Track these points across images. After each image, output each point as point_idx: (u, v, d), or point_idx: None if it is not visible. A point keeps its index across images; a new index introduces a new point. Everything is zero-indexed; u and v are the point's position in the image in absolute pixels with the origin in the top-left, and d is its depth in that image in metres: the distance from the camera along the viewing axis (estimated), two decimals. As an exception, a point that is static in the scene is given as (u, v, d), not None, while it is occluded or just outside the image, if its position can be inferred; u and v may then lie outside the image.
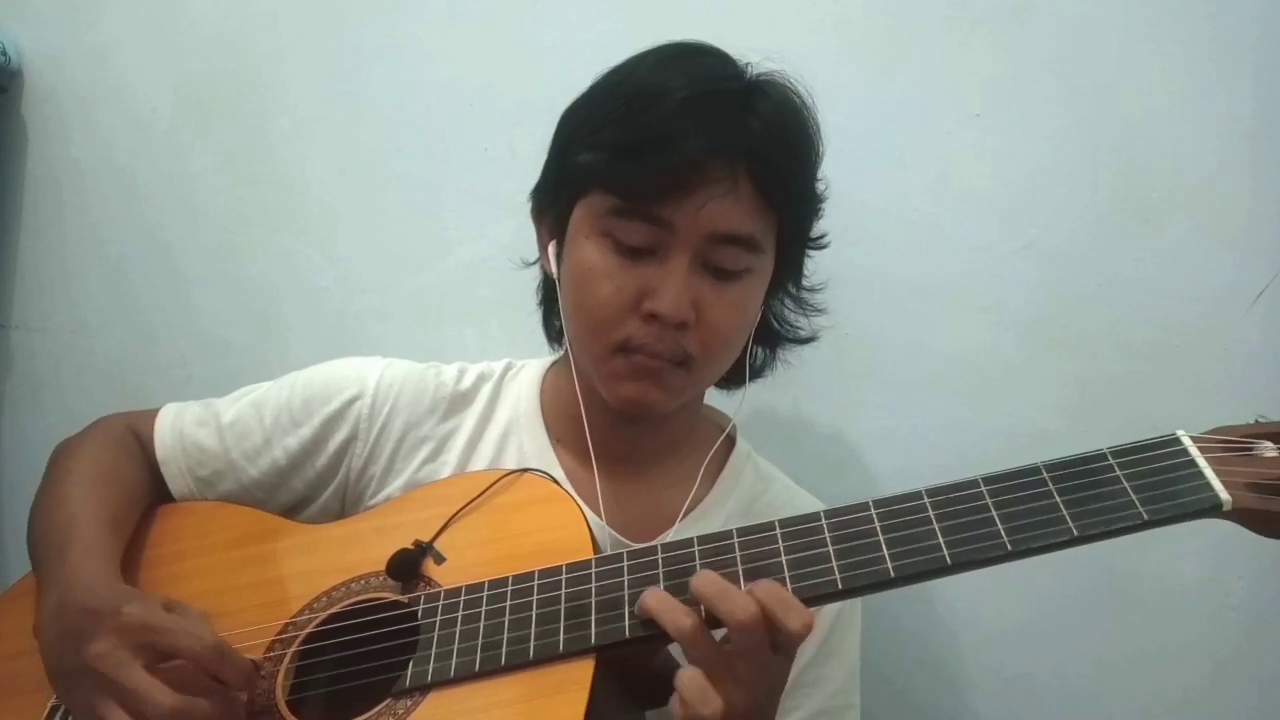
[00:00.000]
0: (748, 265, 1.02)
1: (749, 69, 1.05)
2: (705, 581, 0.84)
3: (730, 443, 1.18)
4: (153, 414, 1.16)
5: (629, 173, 0.99)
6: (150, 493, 1.12)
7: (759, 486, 1.17)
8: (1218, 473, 0.78)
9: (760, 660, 0.82)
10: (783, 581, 0.84)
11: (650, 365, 1.01)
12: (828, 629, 1.11)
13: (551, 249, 1.09)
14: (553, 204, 1.08)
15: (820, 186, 1.11)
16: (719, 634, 0.83)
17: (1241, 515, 0.78)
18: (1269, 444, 0.79)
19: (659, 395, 1.03)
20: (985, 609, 1.36)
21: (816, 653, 1.10)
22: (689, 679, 0.81)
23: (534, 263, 1.17)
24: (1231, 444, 0.80)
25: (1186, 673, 1.32)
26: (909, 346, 1.38)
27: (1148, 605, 1.32)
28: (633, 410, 1.04)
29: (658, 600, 0.84)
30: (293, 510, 1.14)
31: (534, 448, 1.12)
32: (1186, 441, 0.81)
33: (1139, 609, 1.33)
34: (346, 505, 1.13)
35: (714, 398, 1.19)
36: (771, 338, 1.17)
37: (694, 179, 0.97)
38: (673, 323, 0.99)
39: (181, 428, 1.14)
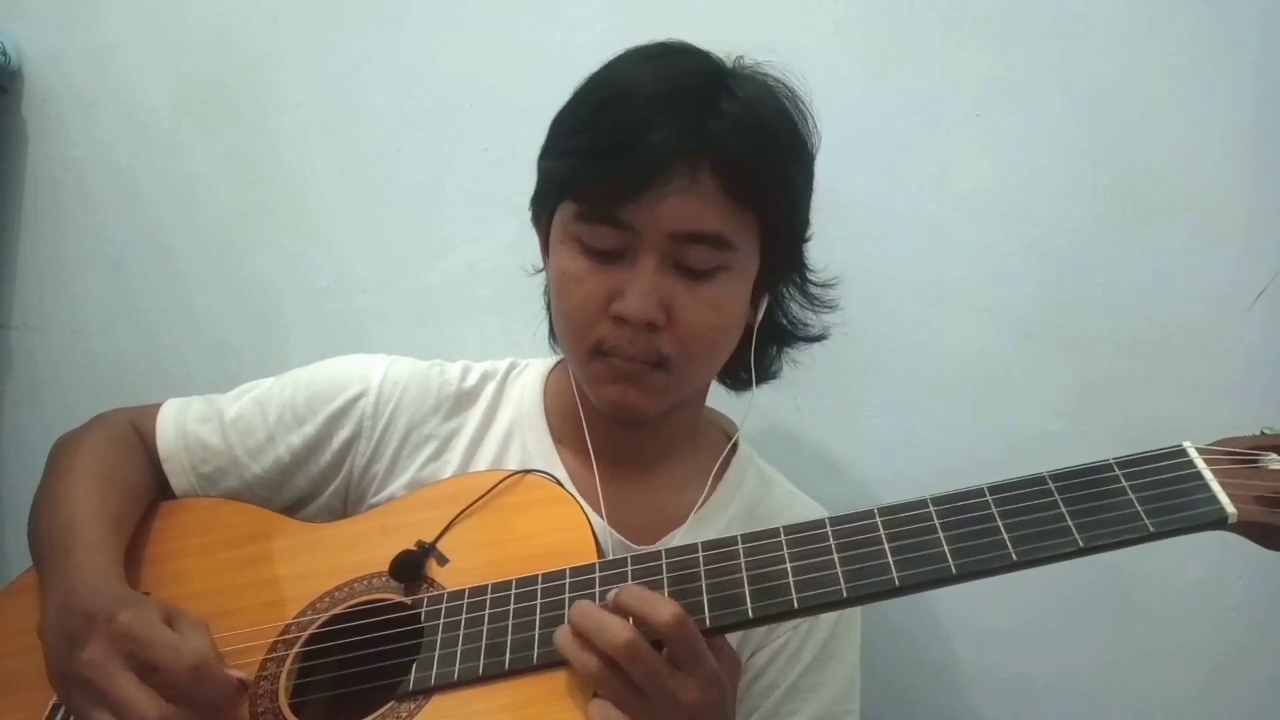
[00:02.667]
0: (720, 263, 1.00)
1: (739, 62, 1.04)
2: (581, 613, 0.84)
3: (733, 446, 1.18)
4: (154, 410, 1.16)
5: (587, 177, 0.99)
6: (152, 490, 1.12)
7: (761, 491, 1.16)
8: (1224, 486, 0.78)
9: (663, 687, 0.82)
10: (787, 588, 0.84)
11: (626, 368, 1.01)
12: (827, 635, 1.11)
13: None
14: (541, 211, 1.09)
15: (806, 181, 1.09)
16: None
17: (1246, 528, 0.78)
18: (1275, 456, 0.79)
19: (639, 397, 1.03)
20: (985, 610, 1.36)
21: (815, 658, 1.10)
22: (595, 711, 0.82)
23: (541, 269, 1.17)
24: (1237, 456, 0.80)
25: (1186, 673, 1.32)
26: (909, 347, 1.38)
27: (1148, 605, 1.33)
28: (618, 414, 1.04)
29: (565, 643, 0.84)
30: (295, 508, 1.14)
31: (537, 448, 1.12)
32: (1192, 453, 0.81)
33: (1139, 609, 1.33)
34: (349, 503, 1.13)
35: (718, 399, 1.19)
36: (781, 336, 1.17)
37: (653, 179, 0.96)
38: (640, 324, 0.98)
39: (184, 424, 1.14)
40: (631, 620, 0.83)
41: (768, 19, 1.39)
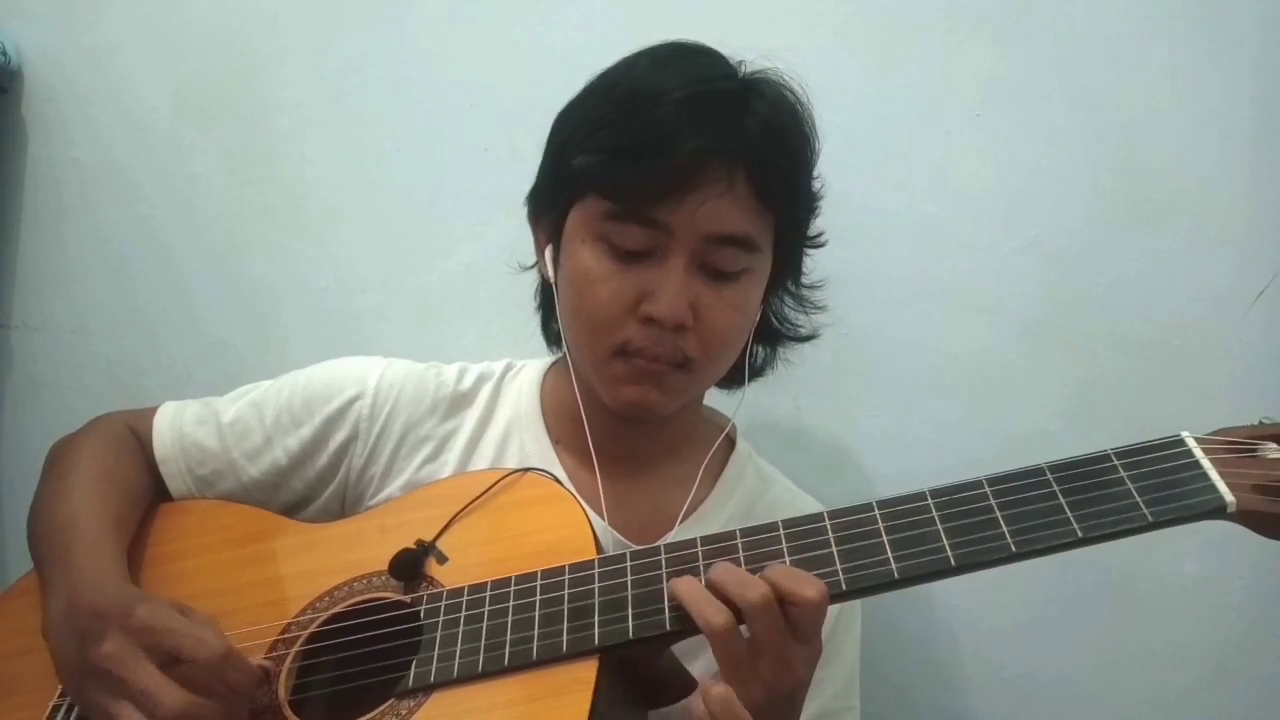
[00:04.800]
0: (746, 265, 1.02)
1: (743, 67, 1.05)
2: (720, 570, 0.84)
3: (730, 443, 1.18)
4: (151, 412, 1.16)
5: (623, 176, 0.98)
6: (150, 491, 1.12)
7: (759, 488, 1.17)
8: (1222, 475, 0.78)
9: (781, 653, 0.82)
10: None
11: (650, 368, 1.01)
12: (827, 631, 1.10)
13: (548, 253, 1.08)
14: (549, 208, 1.08)
15: (816, 184, 1.10)
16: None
17: (1245, 517, 0.78)
18: (1273, 445, 0.79)
19: (659, 398, 1.03)
20: (985, 609, 1.36)
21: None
22: (718, 696, 0.80)
23: (531, 266, 1.17)
24: (1236, 445, 0.80)
25: (1186, 672, 1.32)
26: (909, 346, 1.38)
27: (1148, 604, 1.33)
28: (633, 413, 1.04)
29: (690, 589, 0.84)
30: (292, 510, 1.13)
31: (535, 448, 1.12)
32: (1191, 443, 0.81)
33: (1139, 608, 1.33)
34: (346, 505, 1.13)
35: (714, 398, 1.18)
36: (772, 336, 1.17)
37: (690, 181, 0.96)
38: (671, 325, 0.98)
39: (181, 426, 1.14)
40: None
41: (768, 19, 1.39)
